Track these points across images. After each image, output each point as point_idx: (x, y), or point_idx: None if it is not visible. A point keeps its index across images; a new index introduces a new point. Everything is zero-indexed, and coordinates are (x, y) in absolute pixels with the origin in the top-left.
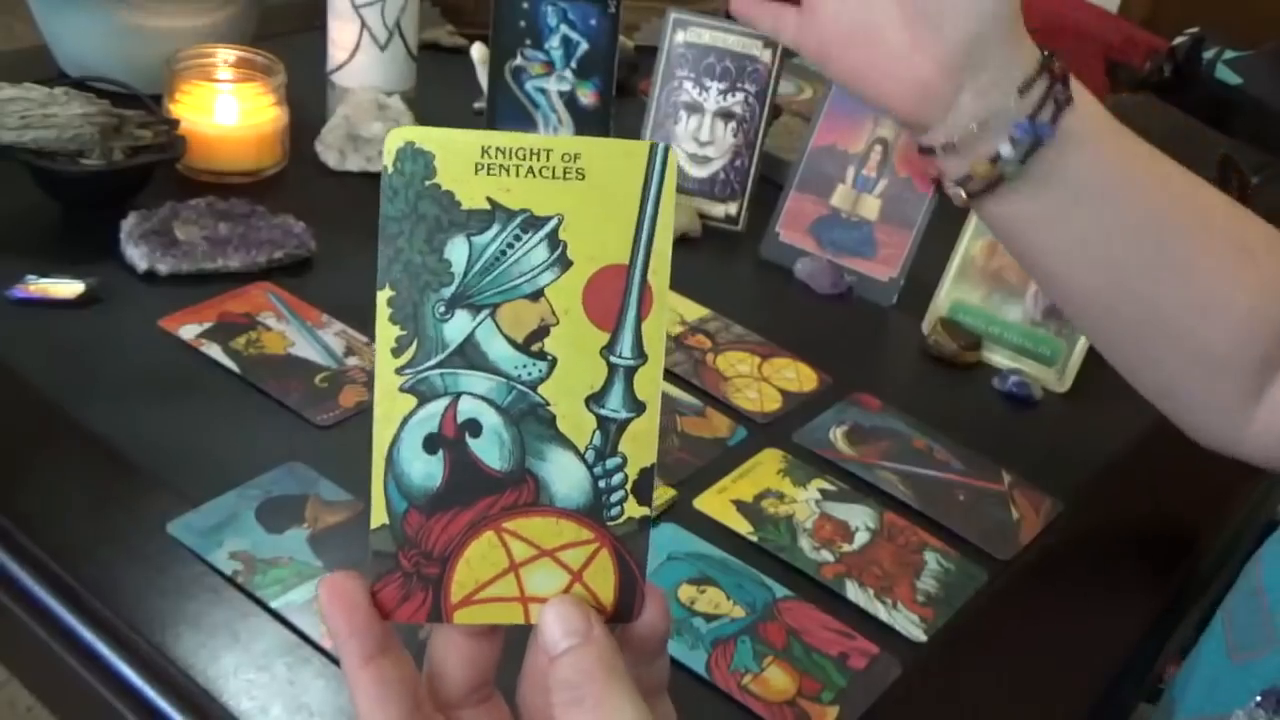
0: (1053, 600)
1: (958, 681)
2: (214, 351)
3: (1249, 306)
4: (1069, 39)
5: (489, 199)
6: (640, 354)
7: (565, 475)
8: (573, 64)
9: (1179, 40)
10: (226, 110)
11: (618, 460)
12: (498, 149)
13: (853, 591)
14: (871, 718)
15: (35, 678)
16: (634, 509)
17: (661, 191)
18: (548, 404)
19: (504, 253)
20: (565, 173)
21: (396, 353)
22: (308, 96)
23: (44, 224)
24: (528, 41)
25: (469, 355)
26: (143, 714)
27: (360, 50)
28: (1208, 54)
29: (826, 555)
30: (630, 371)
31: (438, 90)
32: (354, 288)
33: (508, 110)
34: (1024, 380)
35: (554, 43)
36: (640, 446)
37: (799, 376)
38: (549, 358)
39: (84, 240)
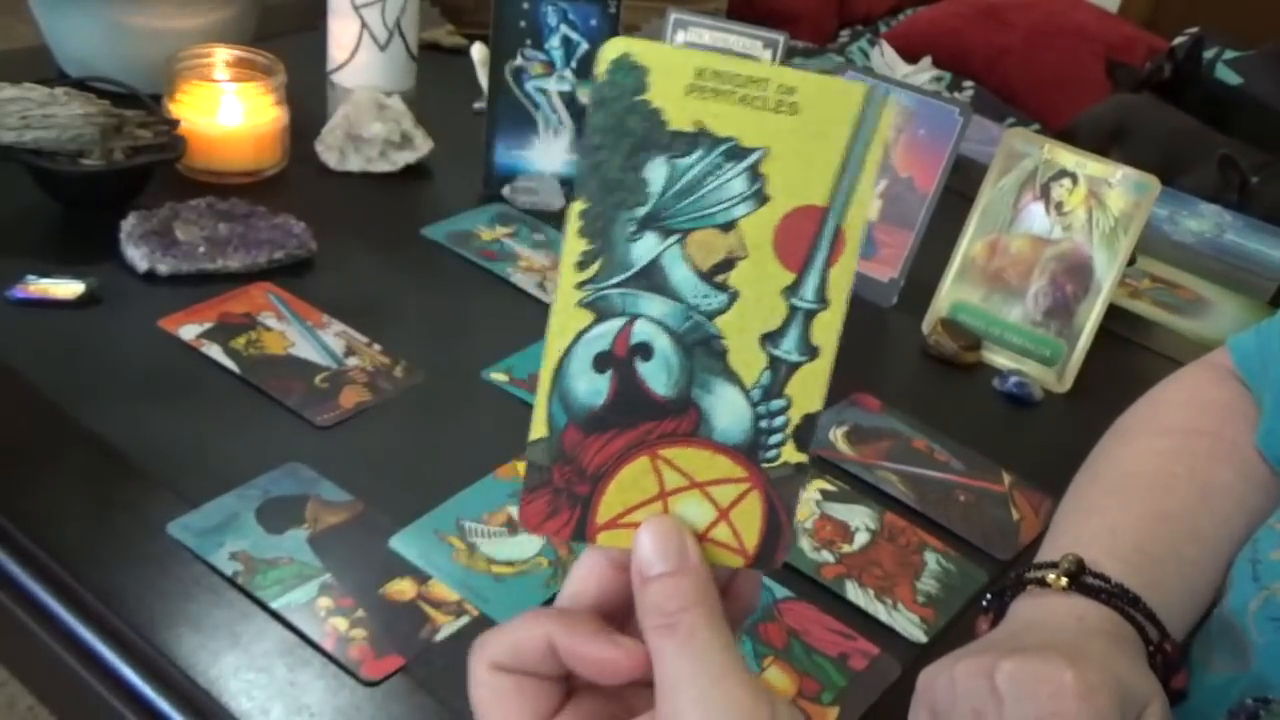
0: None
1: None
2: (214, 352)
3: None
4: (1069, 39)
5: (696, 122)
6: (822, 299)
7: (728, 410)
8: (573, 64)
9: (1179, 40)
10: (226, 110)
11: (783, 402)
12: (714, 72)
13: (853, 592)
14: (871, 718)
15: (35, 678)
16: (791, 454)
17: (873, 138)
18: (722, 337)
19: (703, 179)
20: (778, 105)
21: (581, 266)
22: (308, 96)
23: (44, 224)
24: (528, 41)
25: (652, 278)
26: (143, 714)
27: (360, 50)
28: (1208, 54)
29: (826, 556)
30: (810, 315)
31: (438, 90)
32: (354, 288)
33: (508, 110)
34: (1024, 380)
35: (554, 43)
36: (808, 392)
37: None
38: (730, 290)
39: (84, 240)
